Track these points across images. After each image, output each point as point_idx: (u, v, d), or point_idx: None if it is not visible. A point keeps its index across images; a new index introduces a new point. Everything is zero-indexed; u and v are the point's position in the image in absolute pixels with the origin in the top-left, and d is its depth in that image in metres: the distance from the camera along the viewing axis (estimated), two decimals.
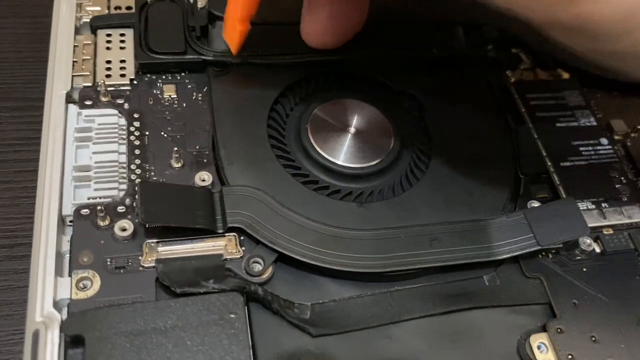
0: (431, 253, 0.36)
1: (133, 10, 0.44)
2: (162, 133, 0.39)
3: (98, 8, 0.45)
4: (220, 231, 0.35)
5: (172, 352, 0.30)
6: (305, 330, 0.34)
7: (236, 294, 0.32)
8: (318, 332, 0.34)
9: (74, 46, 0.42)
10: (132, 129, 0.39)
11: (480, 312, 0.36)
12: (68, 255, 0.34)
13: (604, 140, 0.44)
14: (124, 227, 0.35)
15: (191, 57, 0.42)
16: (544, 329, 0.36)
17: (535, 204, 0.40)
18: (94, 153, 0.37)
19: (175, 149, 0.37)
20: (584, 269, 0.39)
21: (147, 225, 0.35)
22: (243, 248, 0.35)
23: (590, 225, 0.40)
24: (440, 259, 0.36)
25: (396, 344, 0.35)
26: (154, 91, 0.41)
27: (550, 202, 0.40)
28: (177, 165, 0.38)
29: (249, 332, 0.32)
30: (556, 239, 0.37)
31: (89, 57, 0.42)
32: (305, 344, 0.34)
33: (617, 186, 0.42)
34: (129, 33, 0.43)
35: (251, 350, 0.31)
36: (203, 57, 0.42)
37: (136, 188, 0.35)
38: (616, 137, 0.46)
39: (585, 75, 0.49)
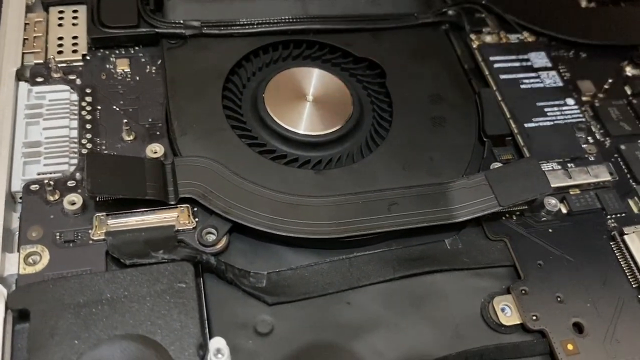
0: (389, 217, 0.35)
1: None
2: (114, 107, 0.39)
3: None
4: (172, 202, 0.35)
5: (119, 322, 0.29)
6: (261, 299, 0.33)
7: (186, 263, 0.32)
8: (274, 301, 0.33)
9: (25, 24, 0.41)
10: (83, 104, 0.39)
11: (442, 276, 0.36)
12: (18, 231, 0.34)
13: (570, 101, 0.43)
14: (73, 200, 0.34)
15: (144, 29, 0.41)
16: (508, 291, 0.35)
17: (498, 165, 0.39)
18: (44, 129, 0.37)
19: (125, 121, 0.37)
20: (550, 230, 0.38)
21: (97, 199, 0.34)
22: (197, 219, 0.35)
23: (555, 185, 0.39)
24: (399, 223, 0.35)
25: (355, 309, 0.34)
26: (107, 66, 0.41)
27: (511, 162, 0.39)
28: (128, 139, 0.37)
29: (199, 301, 0.31)
30: (517, 198, 0.36)
31: (40, 35, 0.41)
32: (261, 313, 0.33)
33: (583, 146, 0.42)
34: (82, 9, 0.43)
35: (201, 320, 0.31)
36: (156, 29, 0.41)
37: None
38: (584, 98, 0.45)
39: (553, 39, 0.48)
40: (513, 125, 0.41)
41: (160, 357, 0.29)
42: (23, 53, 0.40)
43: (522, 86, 0.44)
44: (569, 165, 0.41)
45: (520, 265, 0.36)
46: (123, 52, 0.41)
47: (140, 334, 0.29)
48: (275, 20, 0.43)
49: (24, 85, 0.39)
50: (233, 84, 0.41)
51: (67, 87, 0.39)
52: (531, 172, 0.37)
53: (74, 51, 0.41)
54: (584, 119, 0.43)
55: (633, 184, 0.41)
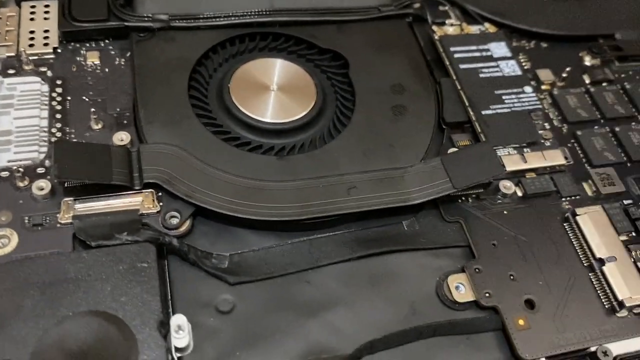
0: (348, 200, 0.37)
1: None
2: (84, 97, 0.40)
3: None
4: (138, 187, 0.36)
5: (82, 300, 0.31)
6: (222, 279, 0.35)
7: (148, 244, 0.33)
8: (235, 280, 0.35)
9: None
10: (54, 94, 0.40)
11: (399, 256, 0.37)
12: None
13: (528, 89, 0.45)
14: (42, 186, 0.35)
15: (113, 23, 0.42)
16: (462, 270, 0.37)
17: (455, 150, 0.41)
18: (15, 118, 0.38)
19: (93, 110, 0.38)
20: (505, 212, 0.39)
21: (65, 184, 0.35)
22: (161, 203, 0.36)
23: (511, 169, 0.41)
24: (357, 206, 0.37)
25: (315, 288, 0.35)
26: (77, 58, 0.42)
27: (466, 147, 0.40)
28: (96, 127, 0.38)
29: (161, 280, 0.32)
30: (471, 180, 0.38)
31: (12, 29, 0.42)
32: (223, 292, 0.34)
33: (540, 132, 0.43)
34: (54, 4, 0.44)
35: (164, 298, 0.32)
36: (125, 23, 0.43)
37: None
38: (543, 87, 0.46)
39: (514, 30, 0.49)
40: (471, 113, 0.43)
41: (121, 332, 0.30)
42: None
43: (481, 75, 0.45)
44: (525, 150, 0.42)
45: (474, 245, 0.37)
46: (93, 45, 0.43)
47: (102, 311, 0.31)
48: (242, 13, 0.44)
49: None
50: (200, 74, 0.42)
51: (38, 79, 0.40)
52: (485, 156, 0.39)
53: (46, 44, 0.42)
54: (541, 106, 0.44)
55: (588, 167, 0.42)
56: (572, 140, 0.44)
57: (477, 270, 0.36)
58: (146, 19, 0.43)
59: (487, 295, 0.36)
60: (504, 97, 0.44)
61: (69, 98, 0.40)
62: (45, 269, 0.31)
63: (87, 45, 0.43)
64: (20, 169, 0.35)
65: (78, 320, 0.30)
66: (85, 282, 0.31)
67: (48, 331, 0.30)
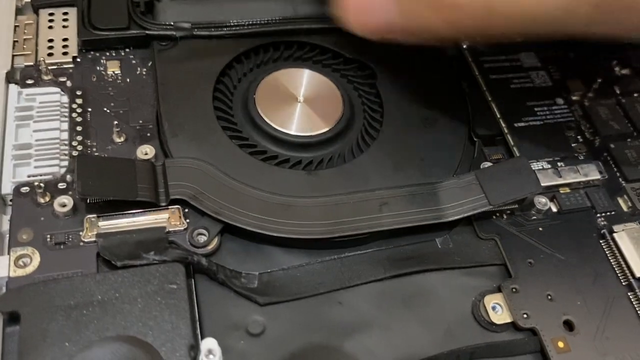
0: (380, 217, 0.36)
1: None
2: (105, 109, 0.39)
3: None
4: (164, 204, 0.35)
5: (110, 324, 0.29)
6: (252, 299, 0.33)
7: (177, 264, 0.32)
8: (266, 301, 0.33)
9: (15, 26, 0.41)
10: (74, 106, 0.39)
11: (433, 275, 0.36)
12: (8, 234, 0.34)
13: (560, 100, 0.44)
14: (64, 203, 0.34)
15: (134, 31, 0.41)
16: (498, 289, 0.36)
17: (489, 165, 0.39)
18: (34, 131, 0.37)
19: (116, 122, 0.37)
20: (540, 229, 0.38)
21: (87, 200, 0.34)
22: (188, 220, 0.35)
23: (545, 184, 0.39)
24: (390, 223, 0.35)
25: (347, 309, 0.34)
26: (98, 68, 0.41)
27: (501, 162, 0.39)
28: (119, 140, 0.37)
29: (190, 302, 0.31)
30: (507, 197, 0.37)
31: (30, 37, 0.41)
32: (253, 313, 0.33)
33: (573, 145, 0.42)
34: (72, 12, 0.43)
35: (193, 321, 0.31)
36: (147, 31, 0.41)
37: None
38: (573, 98, 0.45)
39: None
40: (503, 125, 0.42)
41: (151, 358, 0.29)
42: (13, 55, 0.40)
43: (512, 86, 0.44)
44: (558, 164, 0.41)
45: (510, 264, 0.36)
46: (113, 54, 0.41)
47: (131, 335, 0.29)
48: (266, 22, 0.43)
49: (14, 88, 0.39)
50: (224, 85, 0.41)
51: (58, 89, 0.39)
52: (521, 171, 0.38)
53: (65, 53, 0.41)
54: (573, 118, 0.43)
55: (622, 182, 0.41)
56: (605, 154, 0.42)
57: (514, 290, 0.35)
58: (168, 27, 0.42)
59: (524, 316, 0.34)
60: (536, 109, 0.43)
61: (89, 109, 0.39)
62: (71, 291, 0.30)
63: (107, 54, 0.41)
64: (41, 185, 0.34)
65: (106, 345, 0.29)
66: (112, 305, 0.30)
67: (75, 357, 0.28)
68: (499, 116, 0.42)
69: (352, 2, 0.36)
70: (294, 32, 0.44)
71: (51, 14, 0.43)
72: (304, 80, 0.41)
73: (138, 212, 0.34)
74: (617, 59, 0.48)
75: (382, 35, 0.37)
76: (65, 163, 0.36)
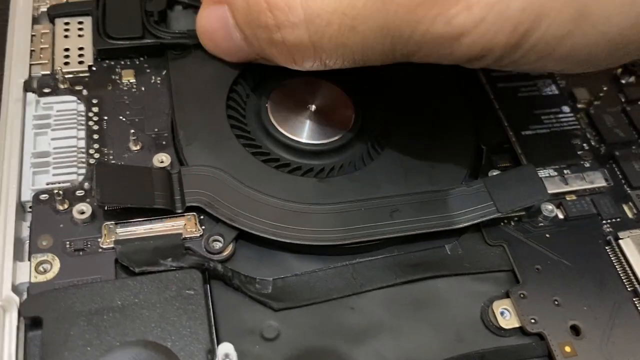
0: (391, 224, 0.36)
1: None
2: (121, 117, 0.39)
3: None
4: (180, 211, 0.35)
5: (130, 329, 0.30)
6: (267, 304, 0.34)
7: (194, 270, 0.33)
8: (280, 306, 0.34)
9: (32, 35, 0.42)
10: (90, 114, 0.39)
11: (443, 281, 0.37)
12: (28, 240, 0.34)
13: (566, 109, 0.45)
14: (82, 210, 0.35)
15: (149, 40, 0.42)
16: (507, 295, 0.36)
17: (496, 173, 0.40)
18: (52, 139, 0.38)
19: (132, 131, 0.38)
20: (547, 235, 0.39)
21: (105, 208, 0.35)
22: (203, 227, 0.36)
23: (552, 191, 0.40)
24: (401, 230, 0.36)
25: (359, 314, 0.35)
26: (113, 77, 0.41)
27: (509, 170, 0.40)
28: (135, 148, 0.38)
29: (207, 307, 0.32)
30: (516, 205, 0.37)
31: (47, 46, 0.42)
32: (267, 318, 0.34)
33: (579, 153, 0.43)
34: (87, 21, 0.44)
35: (210, 326, 0.32)
36: (161, 40, 0.42)
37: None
38: (579, 106, 0.46)
39: None
40: (510, 133, 0.42)
41: None
42: (30, 64, 0.41)
43: (519, 94, 0.45)
44: (565, 171, 0.42)
45: (518, 270, 0.37)
46: (128, 63, 0.42)
47: (151, 340, 0.30)
48: None
49: (31, 96, 0.39)
50: (237, 93, 0.42)
51: (74, 98, 0.40)
52: (529, 179, 0.38)
53: (80, 62, 0.41)
54: (579, 126, 0.44)
55: (628, 189, 0.42)
56: (610, 161, 0.43)
57: (521, 295, 0.36)
58: (182, 35, 0.42)
59: (532, 321, 0.35)
60: (542, 117, 0.43)
61: (105, 118, 0.39)
62: (91, 297, 0.31)
63: (122, 63, 0.42)
64: (60, 192, 0.35)
65: (127, 350, 0.29)
66: (131, 310, 0.31)
67: None
68: (506, 124, 0.43)
69: (203, 27, 0.40)
70: None
71: (67, 24, 0.43)
72: (315, 89, 0.42)
73: (155, 219, 0.35)
74: (623, 68, 0.49)
75: (240, 60, 0.40)
76: (83, 171, 0.37)
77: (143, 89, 0.41)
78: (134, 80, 0.41)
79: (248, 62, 0.41)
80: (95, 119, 0.39)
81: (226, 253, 0.35)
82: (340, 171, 0.40)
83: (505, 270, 0.37)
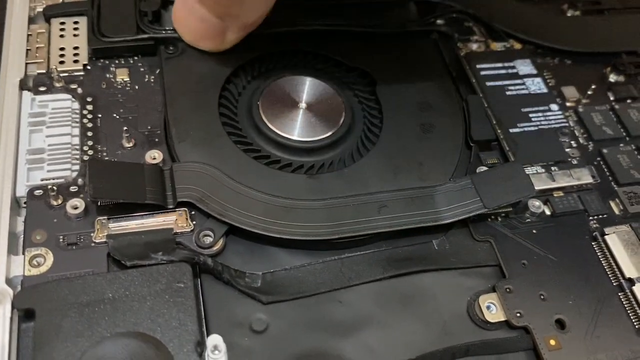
0: (379, 219, 0.37)
1: None
2: (114, 115, 0.40)
3: None
4: (171, 206, 0.36)
5: (120, 321, 0.31)
6: (256, 298, 0.35)
7: (184, 264, 0.33)
8: (269, 300, 0.35)
9: (28, 35, 0.43)
10: (85, 112, 0.40)
11: (430, 276, 0.37)
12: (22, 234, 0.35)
13: (554, 106, 0.45)
14: (76, 205, 0.35)
15: (142, 36, 0.43)
16: (493, 289, 0.37)
17: (484, 169, 0.41)
18: (47, 136, 0.38)
19: (125, 128, 0.38)
20: (534, 231, 0.40)
21: (98, 203, 0.36)
22: (194, 222, 0.36)
23: (539, 188, 0.41)
24: (388, 225, 0.37)
25: (347, 308, 0.35)
26: (107, 75, 0.42)
27: (496, 166, 0.40)
28: (128, 145, 0.39)
29: (196, 300, 0.32)
30: (502, 200, 0.38)
31: (42, 45, 0.43)
32: (257, 311, 0.35)
33: (567, 150, 0.43)
34: (83, 21, 0.44)
35: (199, 318, 0.32)
36: (154, 39, 0.43)
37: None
38: (568, 104, 0.47)
39: (538, 47, 0.50)
40: (498, 131, 0.43)
41: (159, 353, 0.30)
42: (26, 63, 0.41)
43: (508, 93, 0.45)
44: (552, 168, 0.42)
45: (505, 265, 0.38)
46: (122, 62, 0.43)
47: (140, 332, 0.31)
48: (270, 31, 0.44)
49: (27, 95, 0.40)
50: (229, 92, 0.43)
51: (69, 96, 0.40)
52: (515, 176, 0.39)
53: (75, 61, 0.42)
54: (567, 124, 0.45)
55: (614, 186, 0.42)
56: (598, 158, 0.44)
57: (507, 290, 0.37)
58: (174, 34, 0.43)
59: (518, 315, 0.36)
60: (530, 115, 0.44)
61: (99, 115, 0.40)
62: (83, 289, 0.32)
63: (117, 62, 0.43)
64: (54, 188, 0.36)
65: (117, 341, 0.30)
66: (122, 303, 0.32)
67: (87, 352, 0.30)
68: (494, 122, 0.43)
69: (174, 16, 0.43)
70: (297, 41, 0.45)
71: (62, 23, 0.44)
72: (306, 88, 0.43)
73: (147, 214, 0.36)
74: (611, 66, 0.50)
75: (214, 36, 0.42)
76: (77, 167, 0.37)
77: (137, 87, 0.42)
78: (128, 79, 0.42)
79: (229, 48, 0.43)
80: (90, 116, 0.40)
81: (216, 248, 0.36)
82: (330, 168, 0.40)
83: (492, 265, 0.38)
